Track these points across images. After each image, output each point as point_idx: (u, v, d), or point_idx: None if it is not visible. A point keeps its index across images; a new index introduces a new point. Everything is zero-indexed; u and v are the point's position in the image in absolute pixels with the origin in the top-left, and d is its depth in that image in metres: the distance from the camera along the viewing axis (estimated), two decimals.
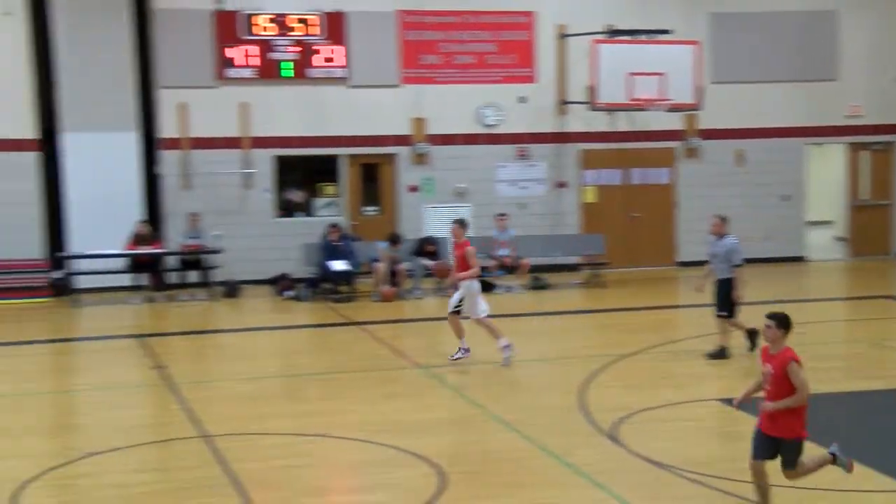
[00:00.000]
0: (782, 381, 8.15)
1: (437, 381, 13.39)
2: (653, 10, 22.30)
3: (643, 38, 21.11)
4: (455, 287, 14.18)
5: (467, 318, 14.12)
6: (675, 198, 23.29)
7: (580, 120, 22.37)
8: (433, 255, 20.52)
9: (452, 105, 21.86)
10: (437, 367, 13.99)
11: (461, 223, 14.31)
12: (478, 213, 21.95)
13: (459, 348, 14.09)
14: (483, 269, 20.50)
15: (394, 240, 19.93)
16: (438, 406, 12.27)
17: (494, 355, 14.01)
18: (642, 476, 9.49)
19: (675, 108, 21.56)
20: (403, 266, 20.03)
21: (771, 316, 8.34)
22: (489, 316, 14.11)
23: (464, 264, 13.96)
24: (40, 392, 13.55)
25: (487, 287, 20.30)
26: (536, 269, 20.97)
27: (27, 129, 19.52)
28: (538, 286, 20.66)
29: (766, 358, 8.36)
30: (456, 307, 14.03)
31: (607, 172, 23.05)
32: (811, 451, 8.61)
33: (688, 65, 20.94)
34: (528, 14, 22.27)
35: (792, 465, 8.32)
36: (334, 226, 20.23)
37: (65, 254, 19.55)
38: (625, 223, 23.10)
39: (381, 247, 19.81)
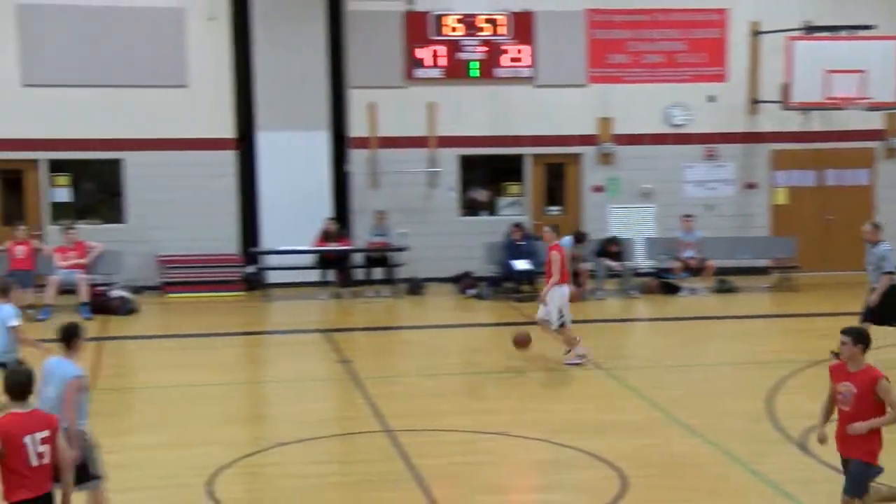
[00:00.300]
0: (865, 400, 7.56)
1: (618, 382, 13.24)
2: (850, 4, 21.45)
3: (843, 33, 20.32)
4: (544, 302, 14.08)
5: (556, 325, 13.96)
6: (873, 200, 22.34)
7: (772, 119, 21.71)
8: (616, 256, 20.30)
9: (640, 105, 21.56)
10: (618, 369, 13.83)
11: (554, 228, 14.28)
12: (663, 214, 21.59)
13: (576, 353, 13.95)
14: (667, 270, 20.29)
15: (578, 238, 19.78)
16: (619, 408, 12.13)
17: (678, 358, 13.75)
18: (832, 486, 9.14)
19: (876, 107, 20.68)
20: (586, 266, 19.88)
21: (846, 331, 7.72)
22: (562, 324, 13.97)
23: (552, 270, 13.86)
24: (234, 382, 14.06)
25: (672, 289, 19.97)
26: (722, 271, 20.47)
27: (226, 128, 20.28)
28: (724, 289, 20.16)
29: (841, 376, 7.72)
30: (559, 320, 13.92)
31: (799, 173, 22.31)
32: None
33: (890, 61, 20.05)
34: (720, 11, 21.76)
35: (855, 492, 7.68)
36: (517, 225, 20.25)
37: (257, 249, 20.22)
38: (817, 225, 22.30)
39: (565, 242, 19.65)
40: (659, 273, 20.39)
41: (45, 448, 6.75)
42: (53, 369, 7.96)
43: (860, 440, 7.61)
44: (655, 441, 10.80)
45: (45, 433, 6.78)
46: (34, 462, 6.70)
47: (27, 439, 6.68)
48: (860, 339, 7.67)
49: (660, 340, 14.08)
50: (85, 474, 7.88)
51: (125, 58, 19.59)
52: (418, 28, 21.01)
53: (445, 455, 10.40)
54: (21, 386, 6.88)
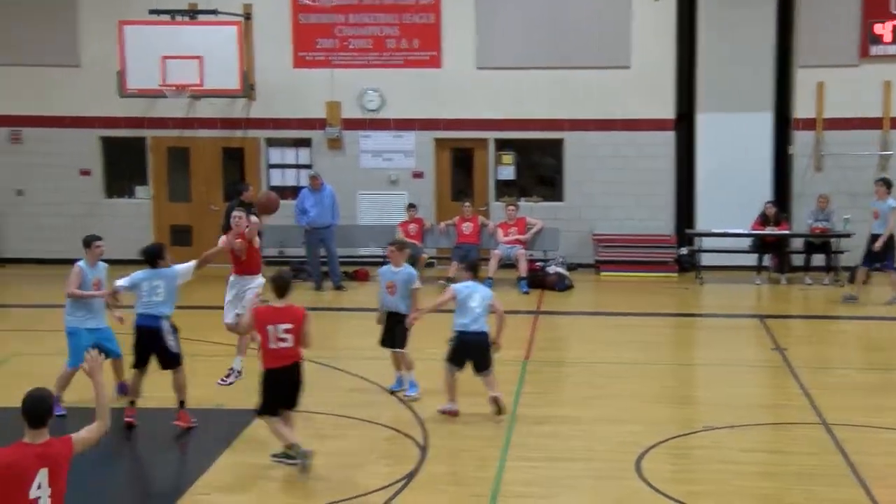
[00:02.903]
0: None
1: None
2: None
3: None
4: None
5: None
6: None
7: None
8: None
9: None
10: None
11: None
12: None
13: None
14: None
15: None
16: None
17: None
18: None
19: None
20: None
21: None
22: None
23: None
24: (664, 363, 14.08)
25: None
26: None
27: (667, 109, 20.26)
28: None
29: None
30: None
31: None
32: None
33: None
34: None
35: None
36: None
37: (693, 231, 20.07)
38: None
39: None
40: None
41: (287, 336, 9.14)
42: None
43: None
44: None
45: (289, 325, 9.14)
46: (272, 345, 9.18)
47: (270, 328, 9.15)
48: None
49: None
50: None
51: (572, 40, 20.10)
52: (877, 2, 19.76)
53: (887, 454, 9.81)
54: (284, 283, 9.37)
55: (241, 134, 20.32)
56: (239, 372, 12.18)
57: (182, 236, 20.44)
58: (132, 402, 10.84)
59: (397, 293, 11.55)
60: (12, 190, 20.40)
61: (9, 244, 20.41)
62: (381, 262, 19.11)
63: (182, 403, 10.84)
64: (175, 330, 10.89)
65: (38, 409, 5.94)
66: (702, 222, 20.17)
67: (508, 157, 20.66)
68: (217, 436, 10.47)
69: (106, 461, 10.28)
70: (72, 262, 21.01)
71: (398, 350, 11.74)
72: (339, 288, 18.17)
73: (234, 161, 20.50)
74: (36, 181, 20.37)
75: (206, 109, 20.09)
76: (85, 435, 6.19)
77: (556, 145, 20.57)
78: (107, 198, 20.57)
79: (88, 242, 11.60)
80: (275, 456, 9.43)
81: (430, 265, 19.23)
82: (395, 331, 11.68)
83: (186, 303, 17.16)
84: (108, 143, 20.45)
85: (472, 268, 11.23)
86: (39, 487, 5.80)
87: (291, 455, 9.34)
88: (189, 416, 10.83)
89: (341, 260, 18.67)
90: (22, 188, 20.39)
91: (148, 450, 10.58)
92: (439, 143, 20.41)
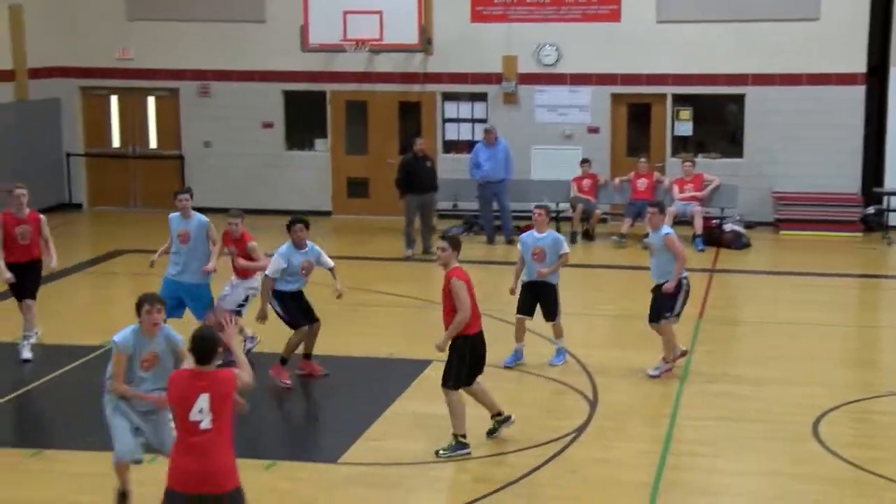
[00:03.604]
0: None
1: None
2: None
3: None
4: None
5: None
6: None
7: None
8: None
9: None
10: None
11: None
12: None
13: None
14: None
15: None
16: None
17: None
18: None
19: None
20: None
21: None
22: None
23: None
24: (845, 325, 13.64)
25: None
26: None
27: (857, 63, 19.40)
28: None
29: None
30: None
31: None
32: None
33: None
34: None
35: None
36: None
37: (881, 189, 19.24)
38: None
39: None
40: None
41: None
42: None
43: None
44: None
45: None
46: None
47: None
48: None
49: None
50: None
51: None
52: None
53: None
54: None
55: (417, 88, 20.49)
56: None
57: (358, 188, 20.83)
58: (307, 355, 11.07)
59: (546, 259, 11.20)
60: (200, 141, 21.15)
61: (197, 193, 21.14)
62: (555, 217, 19.14)
63: (308, 356, 11.05)
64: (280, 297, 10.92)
65: (205, 347, 6.46)
66: (891, 181, 19.32)
67: (686, 113, 20.19)
68: (390, 383, 10.69)
69: (284, 407, 10.64)
70: (254, 212, 21.68)
71: (554, 321, 11.40)
72: (510, 242, 18.20)
73: (411, 115, 20.71)
74: (222, 133, 21.03)
75: (384, 64, 20.32)
76: (242, 375, 6.61)
77: (738, 100, 19.99)
78: (287, 150, 21.11)
79: (175, 194, 11.71)
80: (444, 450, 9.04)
81: (603, 221, 19.05)
82: (545, 301, 11.31)
83: (356, 254, 17.63)
84: (289, 96, 20.94)
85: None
86: (201, 412, 6.35)
87: (464, 443, 9.03)
88: (316, 365, 11.10)
89: (514, 214, 18.67)
90: (209, 140, 21.11)
91: (323, 397, 10.88)
92: (615, 98, 20.10)
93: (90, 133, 21.56)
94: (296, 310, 10.90)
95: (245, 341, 11.69)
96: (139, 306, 7.54)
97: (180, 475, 6.39)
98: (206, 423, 6.36)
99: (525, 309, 11.40)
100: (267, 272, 10.74)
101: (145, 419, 7.71)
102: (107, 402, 7.75)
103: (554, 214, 19.17)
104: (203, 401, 6.35)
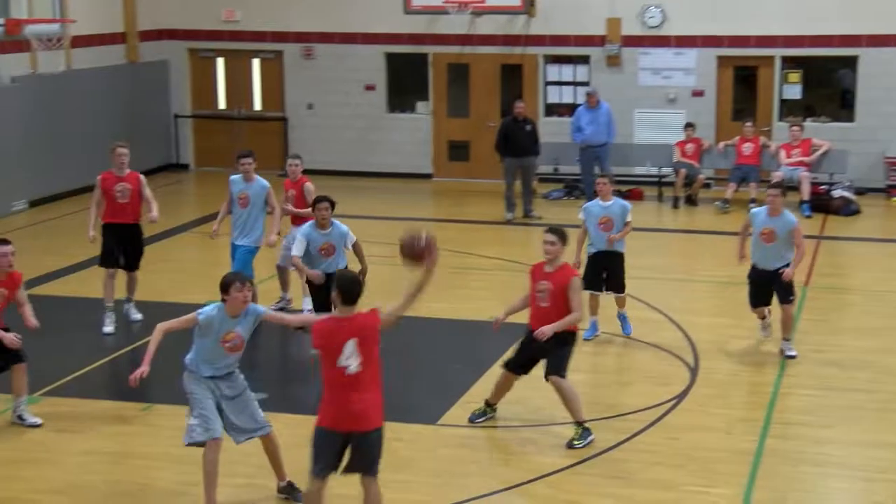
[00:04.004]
0: None
1: None
2: None
3: None
4: None
5: None
6: None
7: None
8: None
9: None
10: None
11: None
12: None
13: None
14: None
15: None
16: None
17: None
18: None
19: None
20: None
21: None
22: None
23: None
24: None
25: None
26: None
27: None
28: None
29: None
30: None
31: None
32: None
33: None
34: None
35: None
36: None
37: None
38: None
39: None
40: None
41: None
42: None
43: None
44: None
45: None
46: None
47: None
48: None
49: None
50: None
51: None
52: None
53: None
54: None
55: (519, 51, 20.35)
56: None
57: (459, 151, 20.82)
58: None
59: (614, 229, 10.82)
60: (303, 104, 21.34)
61: (301, 156, 21.35)
62: (657, 181, 18.92)
63: None
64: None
65: (353, 289, 6.67)
66: None
67: (795, 76, 19.70)
68: (490, 347, 10.71)
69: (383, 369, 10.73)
70: (355, 174, 21.83)
71: (620, 294, 11.07)
72: None
73: (513, 78, 20.59)
74: (325, 95, 21.18)
75: (486, 26, 20.22)
76: (387, 315, 6.74)
77: (850, 62, 19.43)
78: (389, 112, 21.18)
79: (237, 157, 11.75)
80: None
81: (706, 186, 18.74)
82: (613, 272, 10.96)
83: (456, 217, 17.65)
84: (392, 58, 20.98)
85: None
86: (349, 357, 6.59)
87: (588, 428, 8.69)
88: None
89: (616, 178, 18.49)
90: (312, 102, 21.28)
91: (423, 359, 10.95)
92: (721, 60, 19.69)
93: (197, 95, 21.91)
94: (322, 298, 10.09)
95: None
96: (228, 286, 7.33)
97: (332, 414, 6.70)
98: (354, 368, 6.60)
99: (594, 283, 10.95)
100: (293, 251, 10.48)
101: (230, 401, 7.57)
102: (191, 380, 7.52)
103: (656, 179, 18.99)
104: (351, 346, 6.58)
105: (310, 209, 10.90)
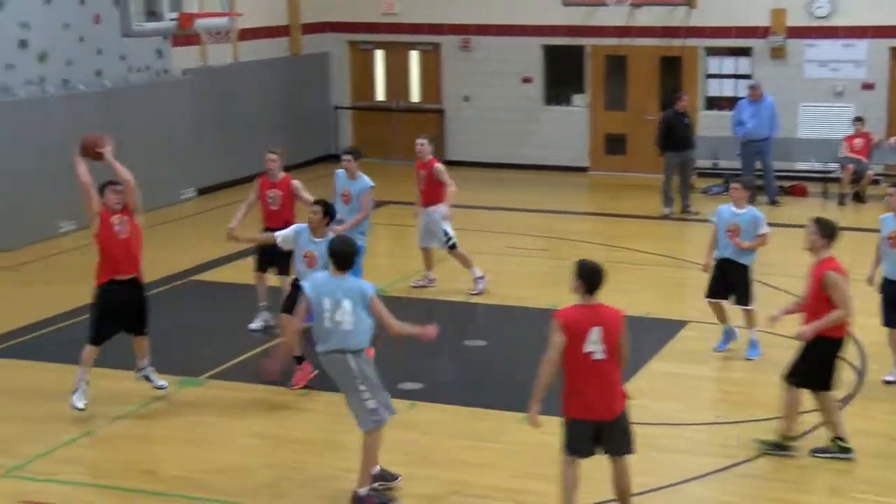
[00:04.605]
0: None
1: None
2: None
3: None
4: None
5: None
6: None
7: None
8: None
9: None
10: None
11: None
12: None
13: None
14: None
15: None
16: None
17: None
18: None
19: None
20: None
21: None
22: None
23: None
24: None
25: None
26: None
27: None
28: None
29: None
30: None
31: None
32: None
33: None
34: None
35: None
36: None
37: None
38: None
39: None
40: None
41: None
42: None
43: None
44: None
45: None
46: None
47: None
48: None
49: None
50: None
51: None
52: None
53: None
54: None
55: (679, 43, 20.00)
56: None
57: (616, 145, 20.59)
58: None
59: (741, 237, 10.27)
60: (459, 96, 21.44)
61: (453, 147, 21.52)
62: (821, 178, 18.34)
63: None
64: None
65: (597, 277, 6.90)
66: None
67: None
68: (645, 343, 10.55)
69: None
70: (510, 167, 21.84)
71: (748, 307, 10.43)
72: (773, 203, 17.56)
73: (672, 70, 20.24)
74: (481, 87, 21.24)
75: (645, 17, 19.94)
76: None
77: None
78: (545, 105, 21.10)
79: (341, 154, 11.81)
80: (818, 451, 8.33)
81: (874, 182, 18.05)
82: (736, 283, 10.38)
83: (611, 210, 17.45)
84: (548, 51, 20.89)
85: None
86: (594, 343, 6.80)
87: (845, 447, 8.26)
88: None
89: (777, 174, 18.00)
90: (468, 94, 21.36)
91: None
92: (894, 52, 18.95)
93: (356, 86, 22.26)
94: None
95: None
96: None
97: (580, 404, 6.88)
98: (598, 354, 6.80)
99: (716, 291, 10.44)
100: (277, 236, 9.83)
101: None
102: (366, 363, 7.54)
103: (820, 175, 18.40)
104: (595, 333, 6.78)
105: (449, 186, 12.07)
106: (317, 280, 7.58)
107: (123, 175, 9.13)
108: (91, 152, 9.26)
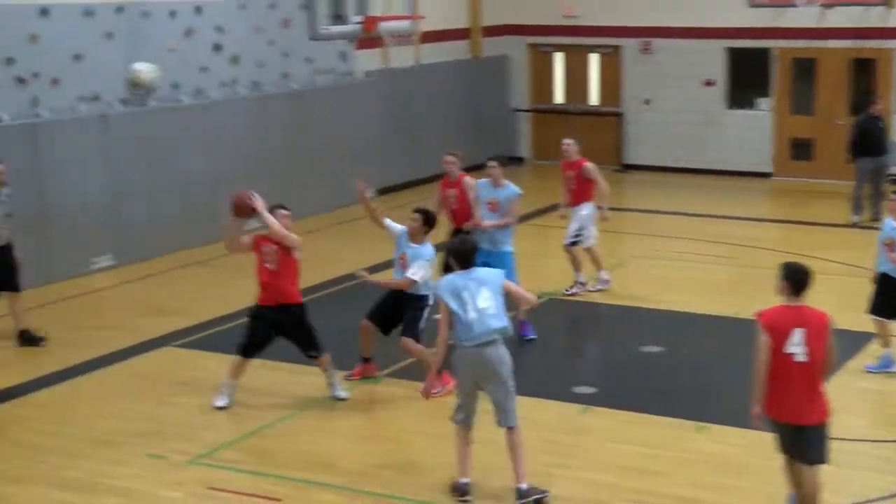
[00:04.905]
0: None
1: None
2: None
3: None
4: None
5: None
6: None
7: None
8: None
9: None
10: None
11: None
12: None
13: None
14: None
15: None
16: None
17: None
18: None
19: None
20: None
21: None
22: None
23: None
24: None
25: None
26: None
27: None
28: None
29: None
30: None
31: None
32: None
33: None
34: None
35: None
36: None
37: None
38: None
39: None
40: None
41: None
42: None
43: None
44: None
45: None
46: None
47: None
48: None
49: None
50: None
51: None
52: None
53: None
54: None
55: (874, 44, 19.25)
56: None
57: (802, 150, 19.99)
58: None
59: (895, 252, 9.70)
60: (640, 99, 21.20)
61: (634, 151, 21.30)
62: None
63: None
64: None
65: (804, 278, 6.79)
66: None
67: None
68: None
69: (714, 370, 10.49)
70: (690, 171, 21.49)
71: None
72: None
73: (864, 73, 19.50)
74: (662, 90, 20.95)
75: (836, 18, 19.28)
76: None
77: None
78: (727, 108, 20.64)
79: (487, 161, 11.31)
80: None
81: None
82: (890, 297, 9.85)
83: (795, 218, 16.92)
84: (733, 53, 20.43)
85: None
86: (796, 344, 6.70)
87: None
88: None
89: None
90: (649, 97, 21.09)
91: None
92: None
93: (535, 89, 22.29)
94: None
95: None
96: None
97: (777, 404, 6.83)
98: (801, 357, 6.70)
99: (880, 308, 10.01)
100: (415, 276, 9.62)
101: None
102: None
103: None
104: (798, 335, 6.70)
105: (601, 184, 12.43)
106: (445, 281, 7.71)
107: (276, 230, 9.15)
108: (245, 211, 9.21)
